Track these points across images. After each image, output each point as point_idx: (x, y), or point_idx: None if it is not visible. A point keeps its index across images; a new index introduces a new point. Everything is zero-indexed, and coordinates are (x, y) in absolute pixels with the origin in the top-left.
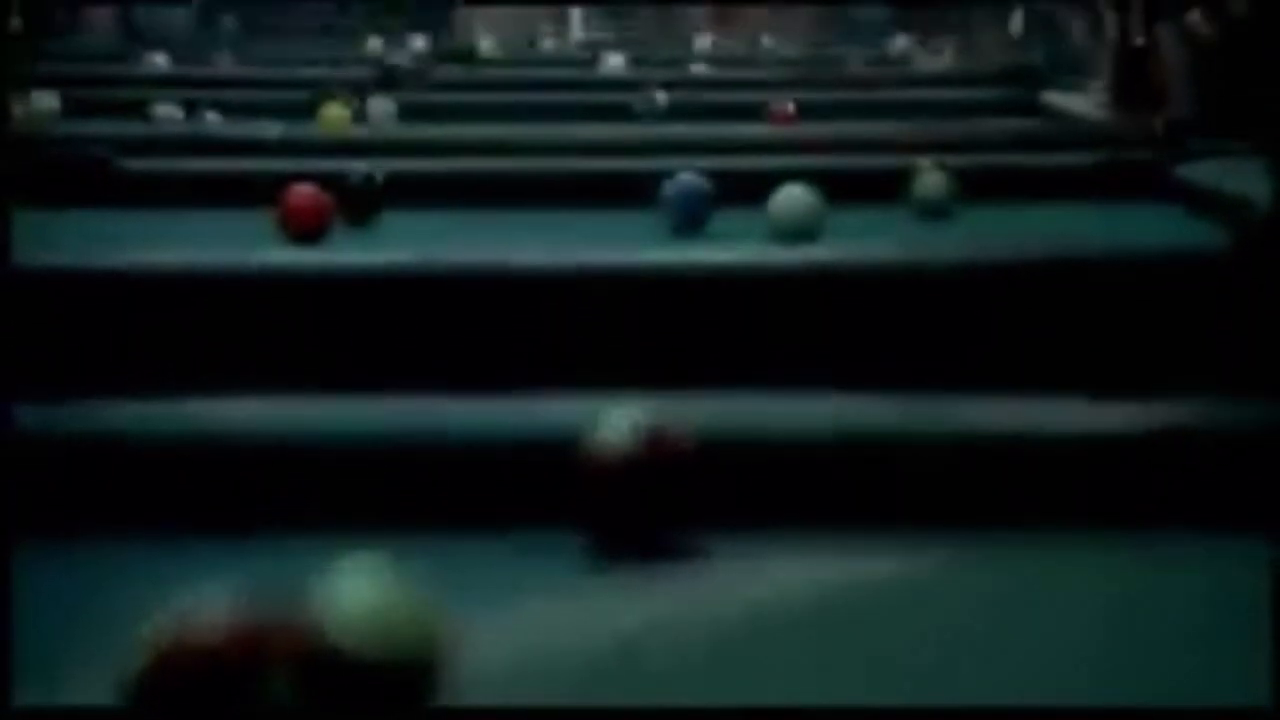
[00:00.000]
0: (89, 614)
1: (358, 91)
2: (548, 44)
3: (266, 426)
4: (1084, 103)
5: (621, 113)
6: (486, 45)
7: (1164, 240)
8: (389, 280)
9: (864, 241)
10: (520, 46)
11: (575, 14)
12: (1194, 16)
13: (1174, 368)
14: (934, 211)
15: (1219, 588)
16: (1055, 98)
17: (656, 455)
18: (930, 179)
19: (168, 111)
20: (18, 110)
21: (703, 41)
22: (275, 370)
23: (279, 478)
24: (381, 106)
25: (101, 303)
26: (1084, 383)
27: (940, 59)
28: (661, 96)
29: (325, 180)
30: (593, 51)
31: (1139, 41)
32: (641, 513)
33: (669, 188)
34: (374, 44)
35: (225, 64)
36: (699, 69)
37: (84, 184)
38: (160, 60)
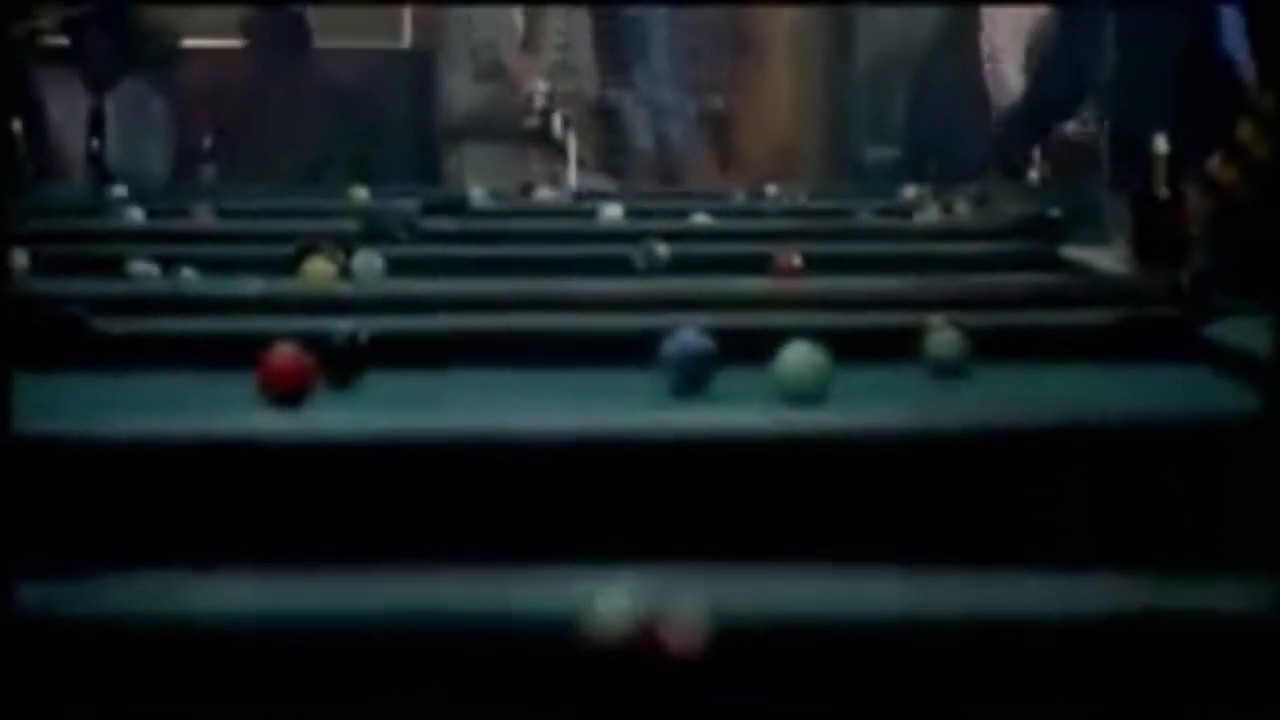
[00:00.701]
0: None
1: (343, 245)
2: (543, 194)
3: (239, 605)
4: (1105, 257)
5: (620, 266)
6: (478, 195)
7: (1189, 404)
8: (372, 447)
9: (874, 403)
10: (514, 196)
11: (572, 163)
12: (1216, 164)
13: (1201, 540)
14: (947, 371)
15: None
16: (1075, 251)
17: (656, 643)
18: (943, 337)
19: (143, 268)
20: None
21: (701, 217)
22: (250, 545)
23: (251, 660)
24: (368, 261)
25: (69, 474)
26: (1104, 556)
27: (954, 209)
28: (662, 249)
29: (307, 340)
30: (590, 201)
31: (1162, 193)
32: (641, 705)
33: (669, 346)
34: (360, 195)
35: (203, 216)
36: (701, 219)
37: (56, 346)
38: (136, 214)
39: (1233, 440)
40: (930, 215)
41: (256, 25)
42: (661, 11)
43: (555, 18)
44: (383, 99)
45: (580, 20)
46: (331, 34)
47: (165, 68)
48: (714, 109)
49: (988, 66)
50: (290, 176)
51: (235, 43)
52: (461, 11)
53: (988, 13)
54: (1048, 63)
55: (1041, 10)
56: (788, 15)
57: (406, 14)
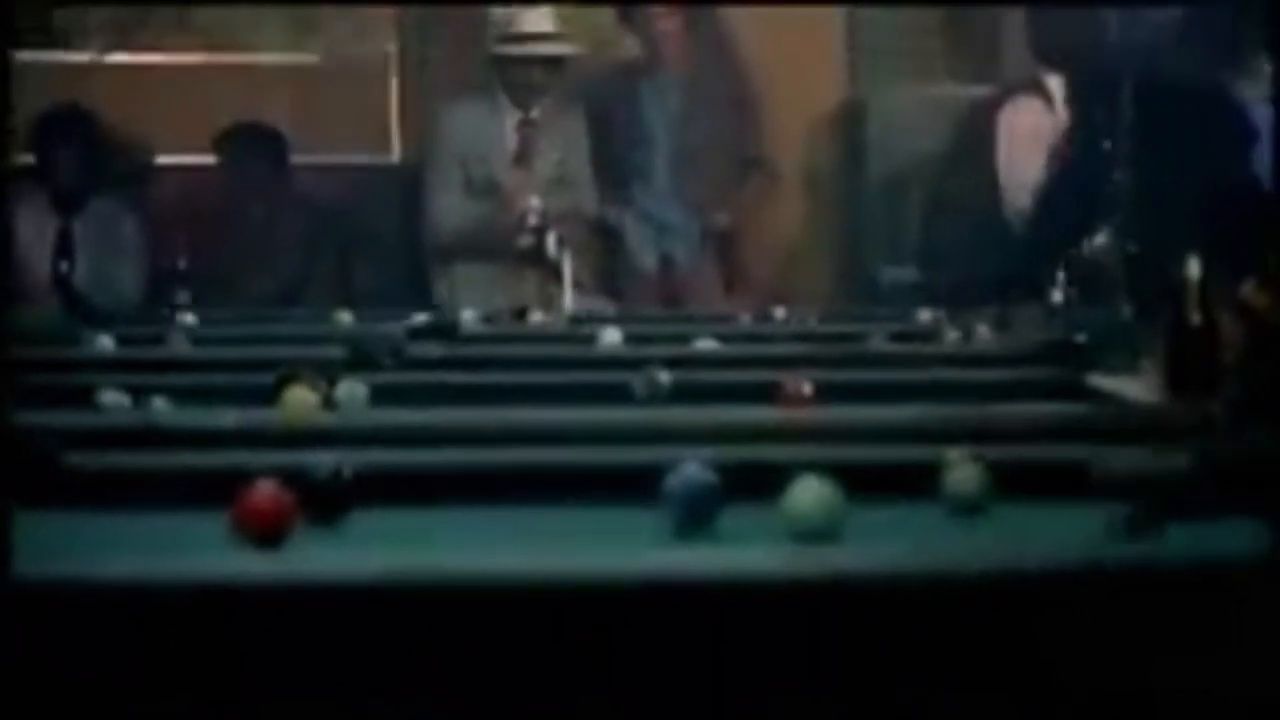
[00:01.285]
0: None
1: (325, 373)
2: (537, 317)
3: None
4: (1134, 385)
5: (620, 395)
6: (469, 319)
7: (1222, 545)
8: (357, 590)
9: (889, 543)
10: (507, 320)
11: (568, 284)
12: (1250, 289)
13: (1217, 681)
14: (967, 509)
15: None
16: (1102, 379)
17: None
18: (963, 473)
19: (114, 399)
20: None
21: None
22: (229, 692)
23: None
24: (351, 390)
25: (35, 622)
26: (1133, 710)
27: (973, 333)
28: (664, 377)
29: (287, 475)
30: (588, 326)
31: (1195, 319)
32: None
33: (671, 481)
34: (343, 319)
35: (177, 343)
36: (705, 344)
37: (25, 483)
38: (105, 341)
39: (1248, 584)
40: (948, 340)
41: (230, 142)
42: (663, 122)
43: (550, 129)
44: (368, 216)
45: (577, 131)
46: (315, 148)
47: (136, 186)
48: (719, 226)
49: (1004, 180)
50: (269, 300)
51: (210, 159)
52: (452, 124)
53: (1004, 126)
54: (1058, 180)
55: (1056, 122)
56: (797, 128)
57: (394, 127)
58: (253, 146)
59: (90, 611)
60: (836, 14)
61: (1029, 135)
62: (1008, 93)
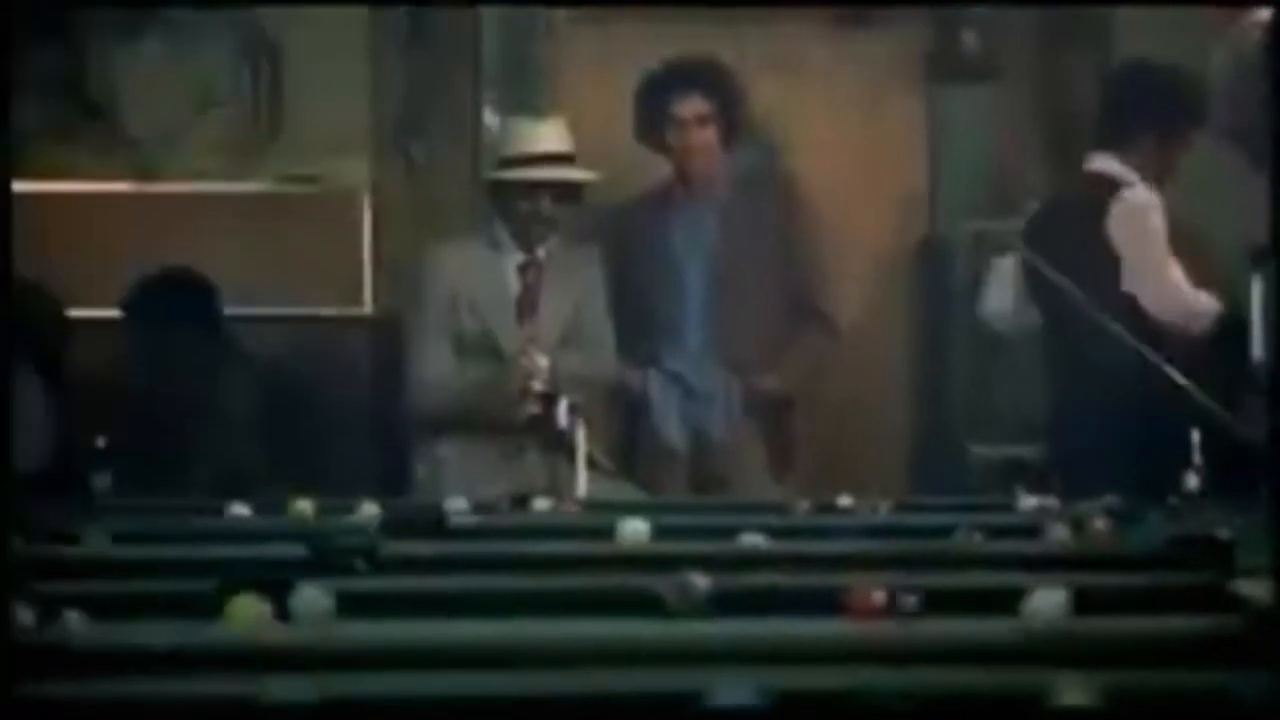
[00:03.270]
0: None
1: (279, 578)
2: (543, 506)
3: None
4: None
5: (647, 604)
6: (457, 508)
7: None
8: None
9: None
10: (505, 510)
11: (581, 464)
12: None
13: None
14: None
15: None
16: (1252, 586)
17: None
18: (1077, 704)
19: (16, 614)
20: None
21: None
22: None
23: None
24: (311, 599)
25: None
26: None
27: (1089, 527)
28: (701, 581)
29: (230, 708)
30: (606, 516)
31: None
32: None
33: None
34: (302, 509)
35: (95, 541)
36: (751, 541)
37: None
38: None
39: None
40: (1057, 536)
41: (148, 295)
42: (697, 262)
43: (560, 272)
44: (334, 381)
45: (592, 275)
46: (267, 297)
47: (46, 351)
48: (767, 392)
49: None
50: (211, 486)
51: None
52: (438, 266)
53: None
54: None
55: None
56: (863, 269)
57: (366, 269)
58: (178, 300)
59: None
60: (912, 129)
61: (1154, 240)
62: (1097, 187)
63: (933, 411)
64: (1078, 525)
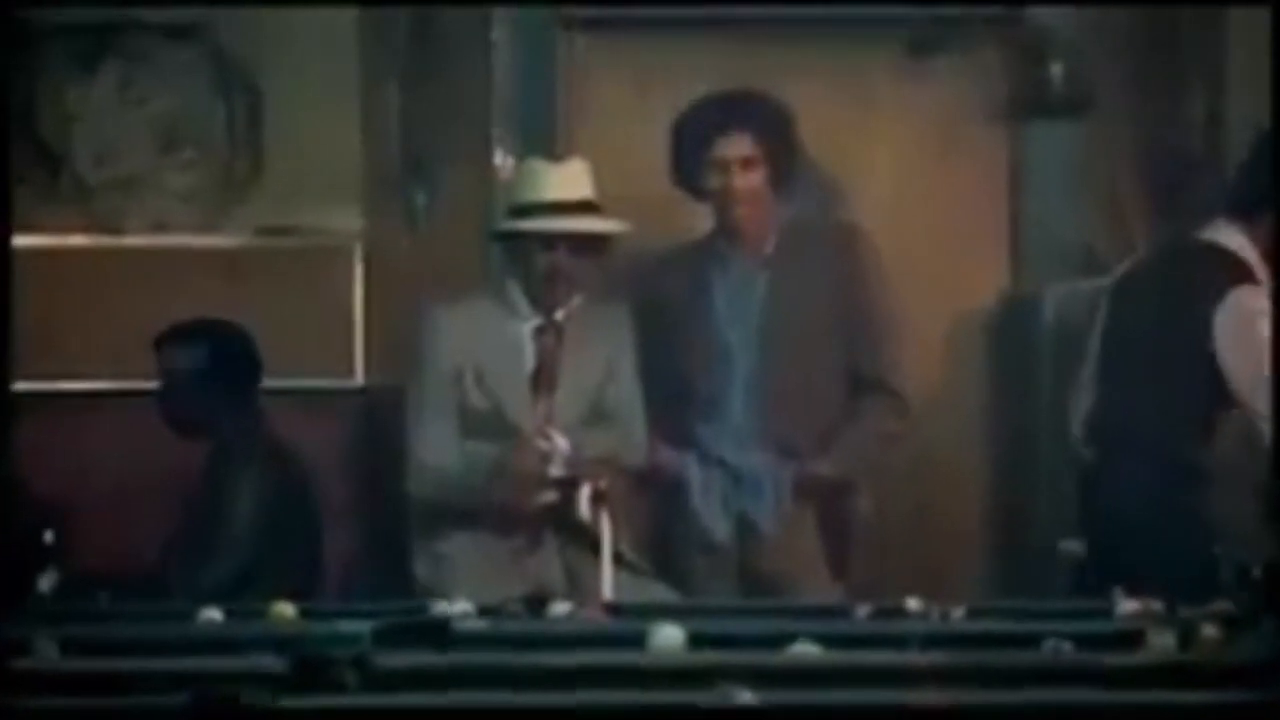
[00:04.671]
0: None
1: (258, 693)
2: (562, 609)
3: None
4: None
5: None
6: (463, 612)
7: None
8: None
9: None
10: (517, 613)
11: (606, 560)
12: None
13: None
14: None
15: None
16: None
17: None
18: None
19: None
20: None
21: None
22: None
23: None
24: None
25: None
26: None
27: (1200, 636)
28: (746, 696)
29: None
30: (635, 621)
31: None
32: None
33: None
34: (285, 614)
35: (43, 650)
36: (804, 650)
37: None
38: None
39: None
40: (1161, 645)
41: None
42: (742, 327)
43: (583, 338)
44: (320, 464)
45: (620, 341)
46: None
47: None
48: (822, 477)
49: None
50: (176, 587)
51: (88, 384)
52: (441, 331)
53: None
54: None
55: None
56: (934, 335)
57: (358, 335)
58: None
59: None
60: (992, 172)
61: (1260, 352)
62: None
63: (1015, 501)
64: (1185, 633)
